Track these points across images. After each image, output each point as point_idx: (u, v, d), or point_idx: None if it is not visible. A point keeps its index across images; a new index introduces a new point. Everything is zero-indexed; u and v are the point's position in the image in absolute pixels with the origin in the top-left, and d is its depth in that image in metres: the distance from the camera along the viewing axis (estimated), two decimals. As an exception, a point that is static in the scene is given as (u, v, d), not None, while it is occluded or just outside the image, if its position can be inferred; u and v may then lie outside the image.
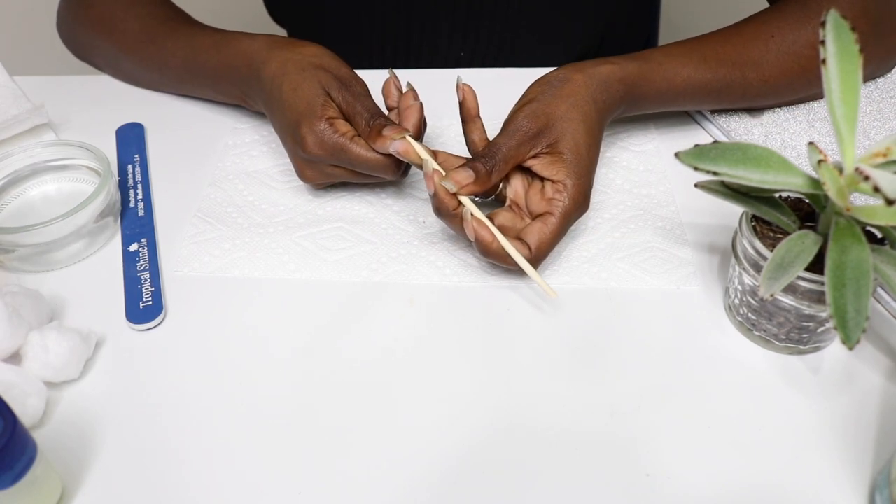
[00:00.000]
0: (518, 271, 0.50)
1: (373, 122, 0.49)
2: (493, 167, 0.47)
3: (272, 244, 0.53)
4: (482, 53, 0.75)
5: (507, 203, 0.51)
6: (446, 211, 0.48)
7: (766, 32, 0.56)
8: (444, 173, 0.47)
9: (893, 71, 0.64)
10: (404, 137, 0.48)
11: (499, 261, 0.47)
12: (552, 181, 0.48)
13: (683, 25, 1.35)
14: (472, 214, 0.47)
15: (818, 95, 0.60)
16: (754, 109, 0.61)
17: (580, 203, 0.48)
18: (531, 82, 0.52)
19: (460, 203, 0.47)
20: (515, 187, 0.50)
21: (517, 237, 0.47)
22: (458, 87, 0.51)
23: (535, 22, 0.73)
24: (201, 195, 0.57)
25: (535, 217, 0.48)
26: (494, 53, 0.75)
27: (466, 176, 0.47)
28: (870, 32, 0.57)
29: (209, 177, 0.58)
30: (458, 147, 0.60)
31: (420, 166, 0.49)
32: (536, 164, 0.49)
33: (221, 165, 0.59)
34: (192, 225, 0.54)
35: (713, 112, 0.61)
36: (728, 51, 0.56)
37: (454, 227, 0.48)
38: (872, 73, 0.63)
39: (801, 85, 0.58)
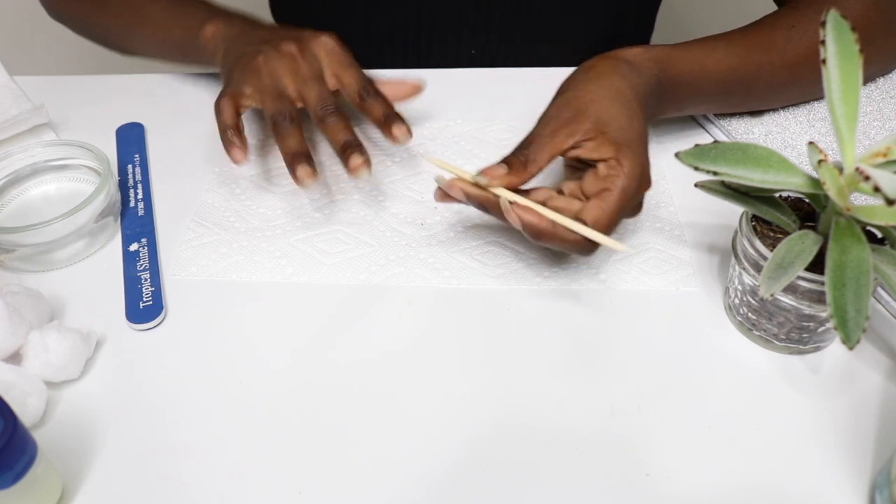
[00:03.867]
0: (520, 271, 0.50)
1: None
2: (528, 156, 0.46)
3: (270, 248, 0.52)
4: (492, 51, 0.75)
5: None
6: (492, 206, 0.46)
7: (784, 24, 0.56)
8: (469, 176, 0.46)
9: (894, 71, 0.64)
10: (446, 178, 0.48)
11: (555, 240, 0.45)
12: (605, 160, 0.45)
13: (684, 24, 1.35)
14: (510, 202, 0.45)
15: None
16: (773, 110, 0.60)
17: (638, 178, 0.45)
18: (543, 82, 0.52)
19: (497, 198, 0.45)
20: (570, 186, 0.48)
21: (575, 218, 0.45)
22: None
23: (545, 19, 0.73)
24: (198, 201, 0.56)
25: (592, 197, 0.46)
26: (505, 52, 0.75)
27: (498, 167, 0.45)
28: (882, 25, 0.57)
29: (205, 183, 0.58)
30: (455, 147, 0.60)
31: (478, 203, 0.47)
32: (584, 152, 0.46)
33: (218, 171, 0.59)
34: (190, 230, 0.54)
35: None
36: (752, 39, 0.56)
37: (507, 222, 0.46)
38: (883, 68, 0.63)
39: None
